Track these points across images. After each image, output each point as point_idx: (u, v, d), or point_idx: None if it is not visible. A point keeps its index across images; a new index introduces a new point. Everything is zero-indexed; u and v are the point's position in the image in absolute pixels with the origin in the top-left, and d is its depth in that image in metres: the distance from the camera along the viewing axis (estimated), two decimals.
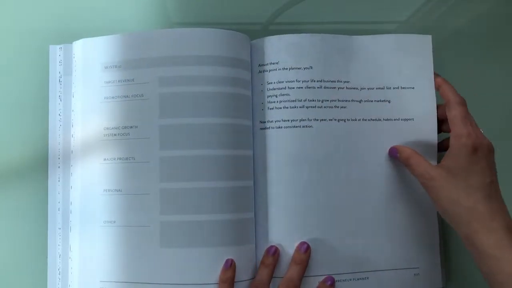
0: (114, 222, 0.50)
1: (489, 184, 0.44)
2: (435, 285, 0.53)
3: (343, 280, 0.51)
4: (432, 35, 0.53)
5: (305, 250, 0.49)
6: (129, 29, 0.56)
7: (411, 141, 0.52)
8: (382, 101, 0.53)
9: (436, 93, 0.52)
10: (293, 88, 0.51)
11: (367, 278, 0.51)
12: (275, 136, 0.51)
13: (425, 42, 0.54)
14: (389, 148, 0.52)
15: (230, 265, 0.47)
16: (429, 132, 0.52)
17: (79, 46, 0.54)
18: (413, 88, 0.53)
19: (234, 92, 0.50)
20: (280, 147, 0.51)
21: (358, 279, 0.51)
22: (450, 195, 0.45)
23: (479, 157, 0.45)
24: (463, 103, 0.48)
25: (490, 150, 0.46)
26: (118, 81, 0.52)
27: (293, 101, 0.51)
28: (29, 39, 0.55)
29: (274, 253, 0.49)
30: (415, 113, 0.53)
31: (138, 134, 0.50)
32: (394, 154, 0.51)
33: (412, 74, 0.53)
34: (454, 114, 0.47)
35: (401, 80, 0.53)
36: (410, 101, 0.53)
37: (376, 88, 0.53)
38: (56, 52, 0.55)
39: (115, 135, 0.51)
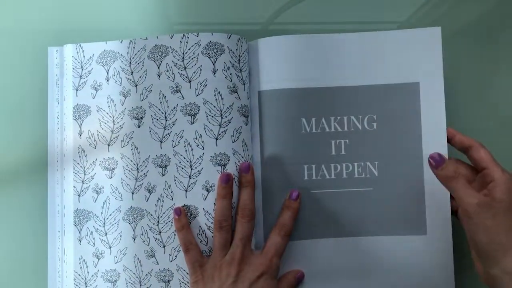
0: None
1: None
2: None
3: None
4: None
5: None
6: (129, 29, 0.55)
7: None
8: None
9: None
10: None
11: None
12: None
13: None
14: (430, 154, 0.48)
15: (180, 213, 0.49)
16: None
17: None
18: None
19: None
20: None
21: None
22: (490, 234, 0.44)
23: None
24: (484, 146, 0.49)
25: None
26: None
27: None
28: (30, 40, 0.55)
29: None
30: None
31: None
32: (433, 164, 0.48)
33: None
34: (485, 153, 0.48)
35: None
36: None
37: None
38: (53, 54, 0.54)
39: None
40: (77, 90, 0.53)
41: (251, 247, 0.49)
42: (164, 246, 0.50)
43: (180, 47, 0.51)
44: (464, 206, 0.45)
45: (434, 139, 0.52)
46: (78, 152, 0.52)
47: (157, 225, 0.50)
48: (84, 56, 0.53)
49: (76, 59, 0.53)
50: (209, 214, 0.49)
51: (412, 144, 0.52)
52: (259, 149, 0.52)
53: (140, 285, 0.50)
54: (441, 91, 0.52)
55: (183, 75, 0.51)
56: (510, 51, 0.58)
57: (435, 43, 0.53)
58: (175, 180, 0.50)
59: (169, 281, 0.49)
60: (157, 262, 0.49)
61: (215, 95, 0.50)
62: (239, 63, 0.51)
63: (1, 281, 0.52)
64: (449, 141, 0.51)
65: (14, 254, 0.52)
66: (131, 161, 0.51)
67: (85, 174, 0.52)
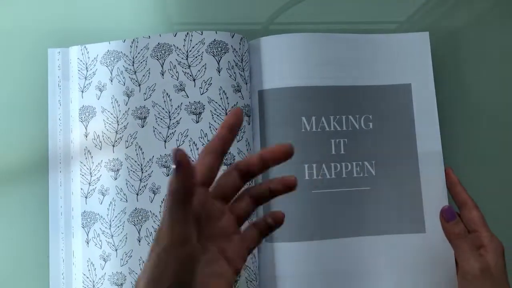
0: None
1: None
2: None
3: None
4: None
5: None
6: (130, 30, 0.55)
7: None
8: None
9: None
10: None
11: None
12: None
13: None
14: (443, 208, 0.49)
15: None
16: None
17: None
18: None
19: None
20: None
21: None
22: None
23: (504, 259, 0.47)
24: (477, 206, 0.49)
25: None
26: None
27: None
28: (30, 41, 0.54)
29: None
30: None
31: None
32: (444, 217, 0.49)
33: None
34: (477, 215, 0.48)
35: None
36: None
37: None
38: (55, 56, 0.53)
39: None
40: (82, 91, 0.52)
41: None
42: None
43: (184, 45, 0.51)
44: (467, 268, 0.46)
45: (427, 138, 0.53)
46: (85, 153, 0.51)
47: None
48: (88, 57, 0.52)
49: (81, 61, 0.53)
50: None
51: (407, 143, 0.53)
52: (259, 149, 0.51)
53: None
54: (432, 92, 0.53)
55: (187, 73, 0.50)
56: (510, 49, 0.59)
57: (424, 46, 0.54)
58: None
59: None
60: None
61: (219, 93, 0.50)
62: (242, 62, 0.51)
63: (2, 282, 0.51)
64: (448, 186, 0.52)
65: (15, 255, 0.51)
66: (135, 161, 0.50)
67: (91, 176, 0.51)
